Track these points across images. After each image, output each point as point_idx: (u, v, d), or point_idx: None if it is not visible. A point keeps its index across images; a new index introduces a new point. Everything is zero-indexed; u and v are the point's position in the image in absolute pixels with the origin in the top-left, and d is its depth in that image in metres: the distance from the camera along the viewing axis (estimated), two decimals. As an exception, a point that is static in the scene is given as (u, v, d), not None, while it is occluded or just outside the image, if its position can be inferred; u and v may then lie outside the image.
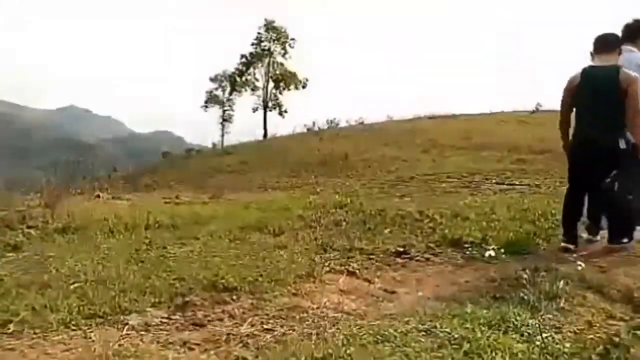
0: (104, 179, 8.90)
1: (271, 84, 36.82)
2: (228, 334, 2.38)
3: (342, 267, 3.55)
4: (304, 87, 36.91)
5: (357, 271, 3.48)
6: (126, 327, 2.44)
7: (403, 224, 5.02)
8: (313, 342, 2.27)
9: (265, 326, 2.48)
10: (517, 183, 9.28)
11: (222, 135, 38.00)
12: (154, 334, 2.40)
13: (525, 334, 2.32)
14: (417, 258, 3.87)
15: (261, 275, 3.21)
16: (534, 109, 24.18)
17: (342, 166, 14.48)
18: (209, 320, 2.57)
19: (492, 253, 3.83)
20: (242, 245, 4.16)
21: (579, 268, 3.32)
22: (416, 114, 25.71)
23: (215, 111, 39.44)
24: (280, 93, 36.99)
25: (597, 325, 2.51)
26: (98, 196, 7.59)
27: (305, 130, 27.33)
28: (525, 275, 3.14)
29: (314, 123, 28.19)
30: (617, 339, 2.21)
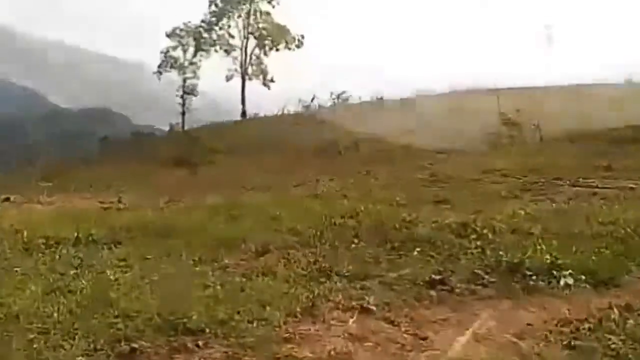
0: (18, 173, 8.90)
1: (252, 42, 36.79)
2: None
3: (353, 302, 3.55)
4: (298, 47, 36.84)
5: (375, 308, 3.48)
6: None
7: (439, 242, 5.03)
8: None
9: (245, 386, 2.48)
10: (600, 185, 9.28)
11: (183, 114, 37.64)
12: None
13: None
14: (460, 290, 3.88)
15: (238, 313, 3.21)
16: (628, 79, 23.93)
17: (353, 159, 14.51)
18: (164, 377, 2.57)
19: (569, 281, 3.84)
20: (211, 270, 4.15)
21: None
22: (455, 86, 25.42)
23: (174, 79, 39.35)
24: (265, 54, 36.90)
25: None
26: (7, 199, 7.59)
27: (300, 109, 27.41)
28: (612, 316, 3.14)
29: (313, 98, 28.23)
30: None
